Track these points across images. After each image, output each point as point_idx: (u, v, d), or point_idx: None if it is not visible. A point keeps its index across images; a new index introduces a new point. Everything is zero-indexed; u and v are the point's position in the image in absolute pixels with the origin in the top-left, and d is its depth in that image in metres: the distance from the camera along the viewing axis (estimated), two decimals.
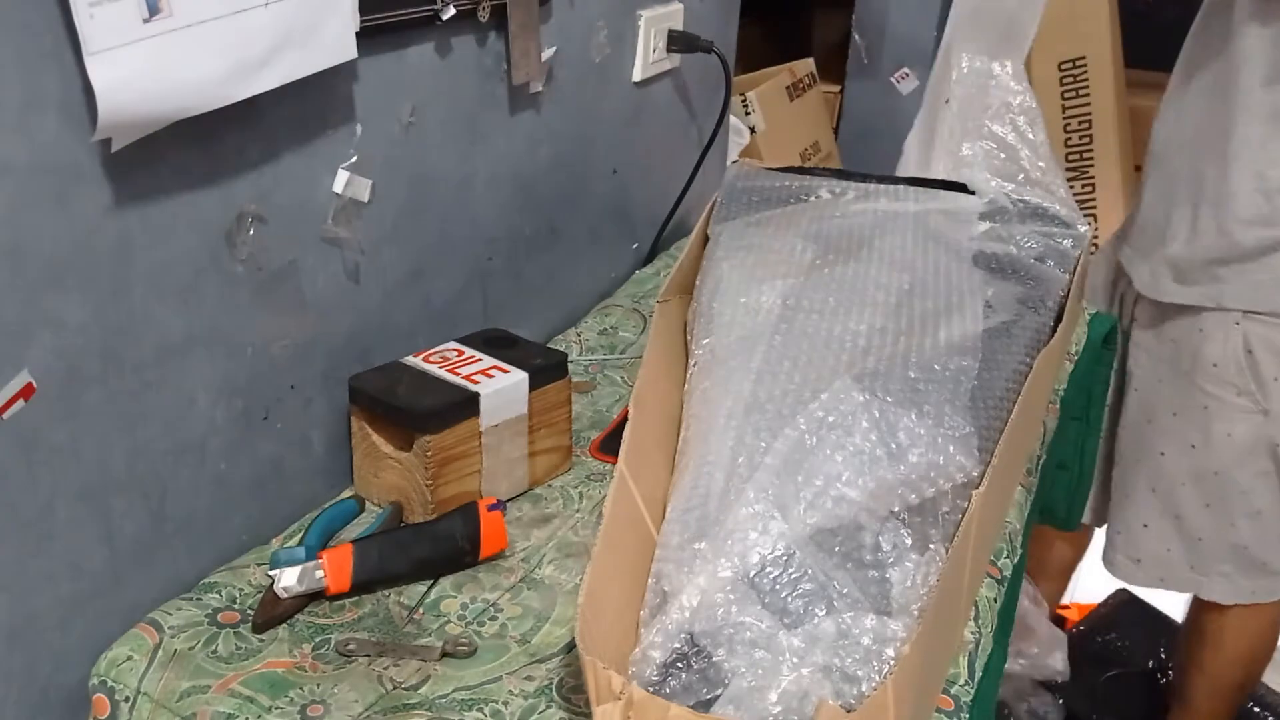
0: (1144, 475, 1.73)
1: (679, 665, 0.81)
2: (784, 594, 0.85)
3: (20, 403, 0.81)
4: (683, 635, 0.82)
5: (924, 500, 0.95)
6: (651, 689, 0.79)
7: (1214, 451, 1.64)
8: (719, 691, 0.80)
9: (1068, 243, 1.33)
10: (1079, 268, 1.33)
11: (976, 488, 0.95)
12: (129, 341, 0.89)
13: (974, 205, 1.37)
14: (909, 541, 0.91)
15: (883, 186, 1.44)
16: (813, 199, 1.39)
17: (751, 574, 0.86)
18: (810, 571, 0.87)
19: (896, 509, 0.93)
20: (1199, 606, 1.82)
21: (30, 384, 0.82)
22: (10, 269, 0.78)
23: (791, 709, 0.78)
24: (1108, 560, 1.84)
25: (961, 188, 1.42)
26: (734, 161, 1.58)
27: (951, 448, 0.96)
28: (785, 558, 0.87)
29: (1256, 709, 2.04)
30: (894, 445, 0.95)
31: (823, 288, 1.17)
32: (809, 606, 0.85)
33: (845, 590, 0.87)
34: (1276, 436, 1.60)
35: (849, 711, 0.75)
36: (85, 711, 0.91)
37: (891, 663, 0.82)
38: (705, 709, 0.78)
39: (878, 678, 0.81)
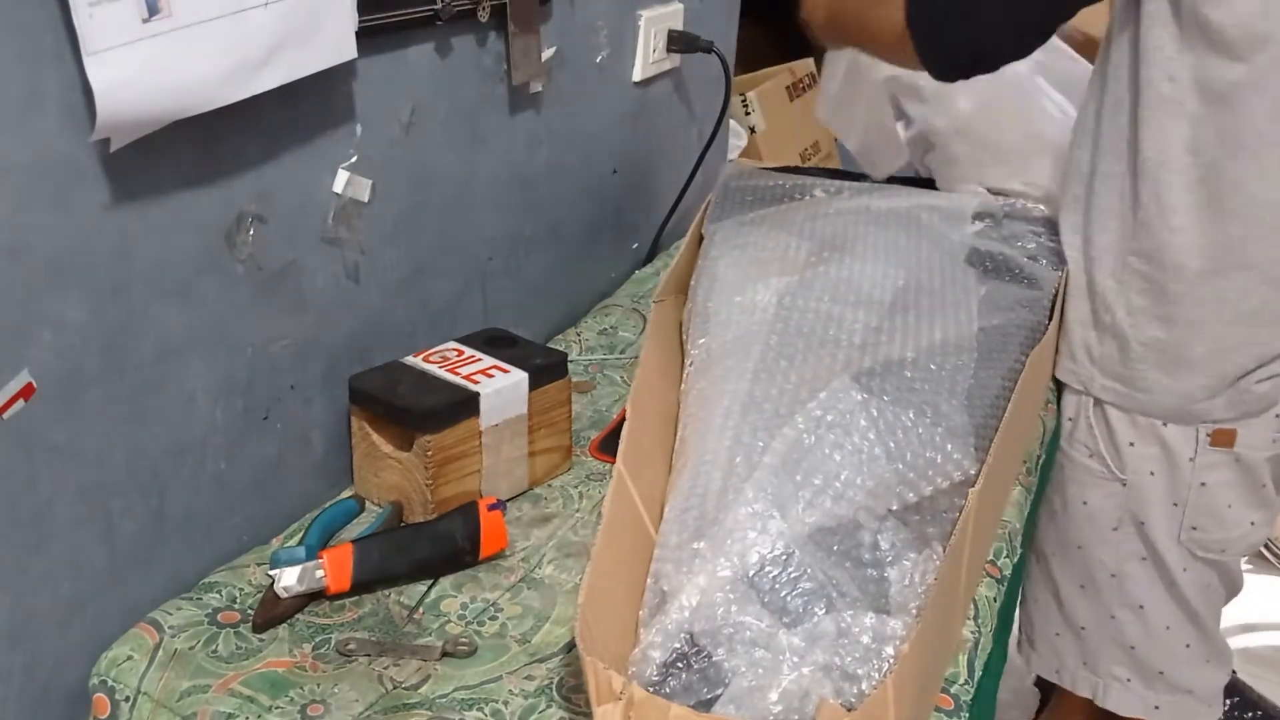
0: (1034, 541, 1.46)
1: (679, 665, 0.81)
2: (783, 593, 0.85)
3: (20, 403, 0.81)
4: (683, 635, 0.82)
5: (921, 499, 0.95)
6: (651, 689, 0.78)
7: (1072, 521, 1.38)
8: (719, 691, 0.79)
9: (1058, 240, 1.33)
10: (1071, 266, 1.33)
11: (973, 486, 0.95)
12: (129, 341, 0.89)
13: (966, 204, 1.37)
14: (907, 540, 0.91)
15: (876, 186, 1.44)
16: (807, 198, 1.40)
17: (751, 573, 0.86)
18: (809, 570, 0.86)
19: (895, 507, 0.93)
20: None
21: (30, 384, 0.82)
22: (10, 269, 0.78)
23: (792, 708, 0.78)
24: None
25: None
26: (729, 161, 1.58)
27: (949, 446, 0.96)
28: (785, 557, 0.87)
29: (1250, 714, 2.03)
30: (892, 444, 0.95)
31: (818, 286, 1.17)
32: (808, 605, 0.85)
33: (844, 589, 0.87)
34: (1141, 513, 1.32)
35: (850, 710, 0.75)
36: (86, 711, 0.91)
37: (891, 661, 0.82)
38: (706, 709, 0.78)
39: (877, 676, 0.81)
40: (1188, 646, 1.37)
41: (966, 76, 1.18)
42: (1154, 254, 1.21)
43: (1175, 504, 1.29)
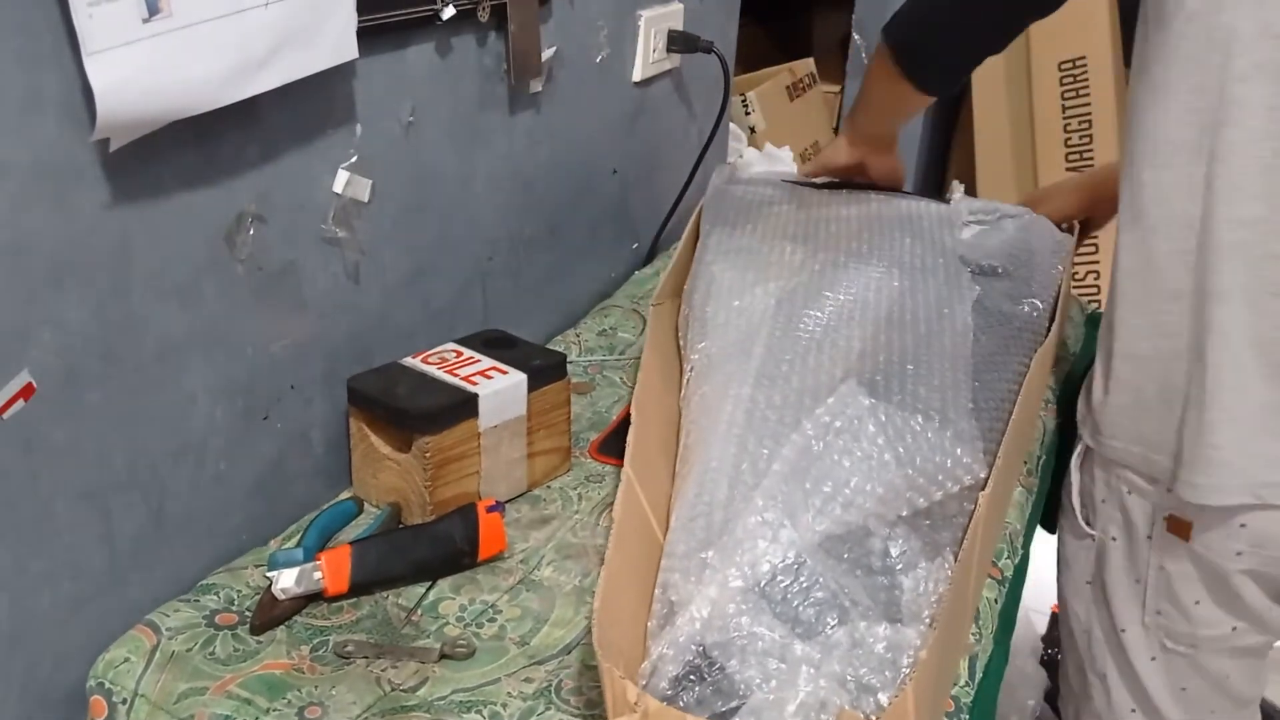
0: None
1: (692, 677, 0.80)
2: (796, 603, 0.84)
3: (20, 403, 0.81)
4: (694, 647, 0.81)
5: (931, 504, 0.94)
6: (664, 701, 0.78)
7: (1057, 563, 1.27)
8: (733, 703, 0.78)
9: (1055, 241, 1.33)
10: (1068, 265, 1.33)
11: (981, 489, 0.94)
12: (129, 341, 0.88)
13: (959, 208, 1.38)
14: (918, 547, 0.91)
15: (868, 191, 1.45)
16: (799, 202, 1.40)
17: (762, 583, 0.85)
18: (821, 579, 0.86)
19: (905, 513, 0.92)
20: None
21: (30, 384, 0.81)
22: (10, 269, 0.78)
23: None
24: None
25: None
26: (721, 165, 1.58)
27: (959, 450, 0.96)
28: (796, 566, 0.86)
29: None
30: (901, 449, 0.94)
31: (815, 289, 1.16)
32: (821, 615, 0.84)
33: (856, 598, 0.86)
34: (1105, 577, 1.18)
35: None
36: (84, 712, 0.90)
37: (906, 670, 0.81)
38: None
39: (893, 686, 0.80)
40: None
41: (955, 83, 1.33)
42: (1112, 283, 1.10)
43: (1136, 581, 1.15)
